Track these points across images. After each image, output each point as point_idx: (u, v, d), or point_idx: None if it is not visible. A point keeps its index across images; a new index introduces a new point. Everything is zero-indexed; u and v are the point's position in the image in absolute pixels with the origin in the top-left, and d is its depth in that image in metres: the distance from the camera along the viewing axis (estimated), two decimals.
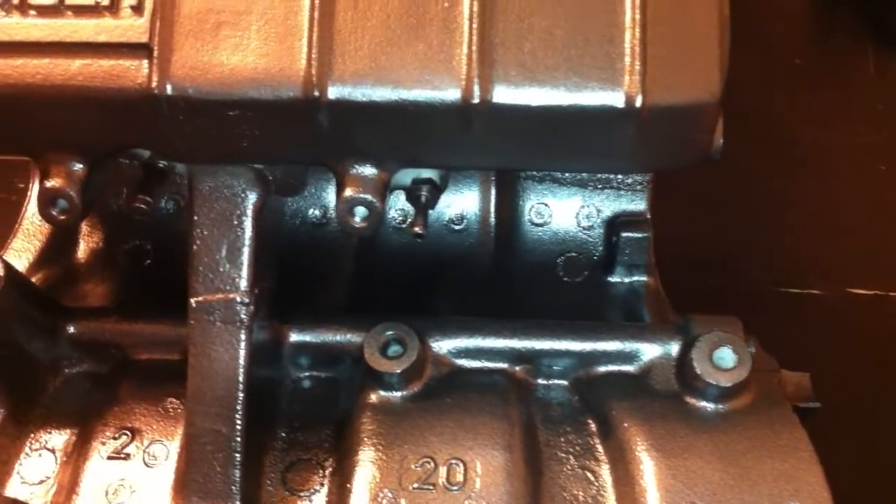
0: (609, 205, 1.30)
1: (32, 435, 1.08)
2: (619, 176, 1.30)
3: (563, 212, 1.31)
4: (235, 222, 0.99)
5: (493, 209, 1.32)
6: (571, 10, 0.88)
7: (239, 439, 0.99)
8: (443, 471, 1.00)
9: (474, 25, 0.88)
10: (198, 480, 0.99)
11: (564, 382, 1.10)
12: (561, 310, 1.26)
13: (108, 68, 0.89)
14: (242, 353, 0.99)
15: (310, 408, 1.09)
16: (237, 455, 0.99)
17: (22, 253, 1.30)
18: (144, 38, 0.89)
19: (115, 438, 1.04)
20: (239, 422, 0.99)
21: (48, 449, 1.07)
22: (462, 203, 1.31)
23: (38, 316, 1.07)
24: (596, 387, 1.09)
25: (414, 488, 0.99)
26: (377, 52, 0.88)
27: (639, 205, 1.30)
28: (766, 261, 1.54)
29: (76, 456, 1.04)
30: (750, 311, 1.14)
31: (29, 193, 1.37)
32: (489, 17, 0.88)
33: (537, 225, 1.31)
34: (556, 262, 1.30)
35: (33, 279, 1.29)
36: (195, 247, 1.00)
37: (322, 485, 1.03)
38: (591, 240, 1.31)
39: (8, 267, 1.02)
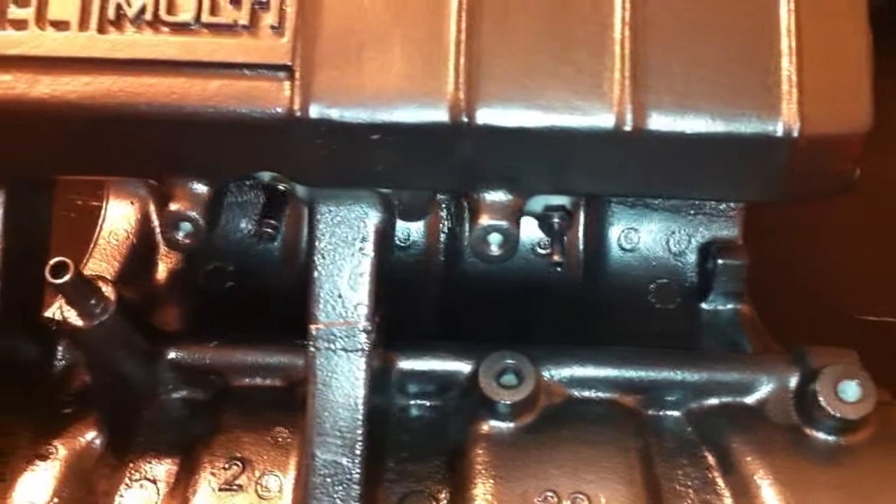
0: (702, 231, 1.28)
1: (132, 465, 1.05)
2: (712, 202, 1.29)
3: (652, 237, 1.30)
4: (359, 248, 0.97)
5: (581, 234, 1.30)
6: (723, 37, 0.86)
7: (359, 472, 0.96)
8: None
9: (626, 50, 0.86)
10: None
11: (677, 413, 1.08)
12: (654, 337, 1.25)
13: (246, 89, 0.87)
14: (364, 381, 0.97)
15: (418, 438, 1.06)
16: (357, 488, 0.96)
17: (102, 273, 1.26)
18: (286, 59, 0.86)
19: (225, 469, 1.00)
20: (359, 453, 0.96)
21: (149, 479, 1.03)
22: None
23: (142, 342, 1.04)
24: (711, 418, 1.07)
25: None
26: (524, 75, 0.86)
27: (732, 231, 1.28)
28: (845, 287, 1.53)
29: (183, 487, 1.01)
30: (829, 338, 1.13)
31: (103, 213, 1.34)
32: (640, 42, 0.86)
33: (626, 250, 1.29)
34: (649, 288, 1.28)
35: None
36: (316, 272, 0.97)
37: None
38: (682, 266, 1.29)
39: (118, 290, 0.98)
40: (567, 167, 0.89)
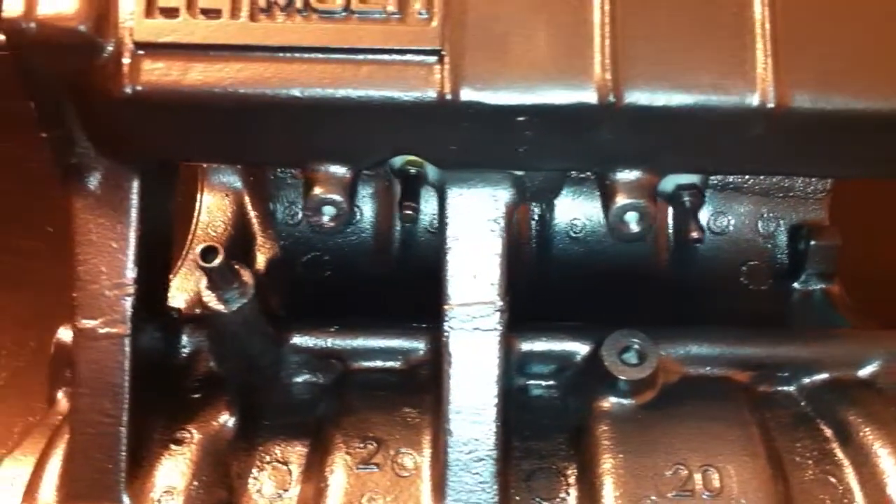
0: (791, 213, 1.31)
1: (261, 447, 1.06)
2: (801, 185, 1.32)
3: (742, 220, 1.32)
4: (492, 229, 0.99)
5: (670, 217, 1.32)
6: (862, 15, 0.88)
7: (497, 448, 0.98)
8: (698, 478, 1.00)
9: (766, 29, 0.88)
10: (459, 490, 0.97)
11: (789, 388, 1.10)
12: (747, 317, 1.27)
13: (397, 74, 0.89)
14: (498, 360, 0.99)
15: (539, 416, 1.08)
16: (496, 464, 0.98)
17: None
18: (437, 44, 0.88)
19: (360, 448, 1.02)
20: (496, 430, 0.98)
21: (280, 461, 1.05)
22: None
23: (270, 327, 1.06)
24: (824, 392, 1.09)
25: (672, 496, 0.99)
26: (667, 56, 0.88)
27: (819, 213, 1.31)
28: None
29: (318, 467, 1.03)
30: None
31: (198, 205, 1.35)
32: (780, 20, 0.88)
33: (716, 233, 1.32)
34: (741, 269, 1.30)
35: None
36: (449, 253, 0.99)
37: (567, 493, 1.03)
38: (772, 248, 1.32)
39: (255, 276, 1.00)
40: (707, 146, 0.92)
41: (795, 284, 1.29)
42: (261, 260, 1.32)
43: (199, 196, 1.36)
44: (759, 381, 1.11)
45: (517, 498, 1.02)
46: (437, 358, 1.04)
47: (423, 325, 1.12)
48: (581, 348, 1.09)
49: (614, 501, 0.99)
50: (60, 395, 1.16)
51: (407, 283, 1.30)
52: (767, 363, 1.10)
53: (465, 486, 0.98)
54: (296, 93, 0.89)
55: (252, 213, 1.33)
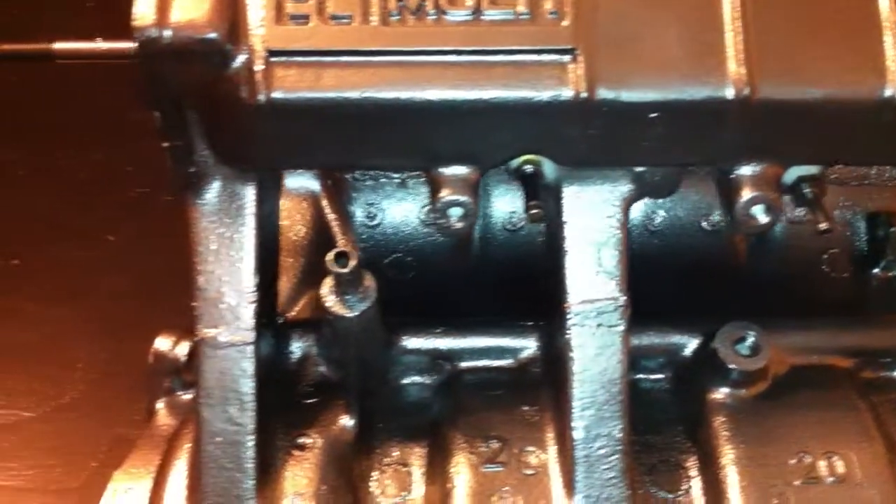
0: (868, 201, 1.32)
1: (378, 450, 1.07)
2: (875, 173, 1.33)
3: None
4: (611, 225, 0.99)
5: None
6: None
7: (626, 443, 0.99)
8: (822, 465, 1.01)
9: (892, 22, 0.89)
10: (590, 486, 0.98)
11: (892, 374, 1.12)
12: (829, 305, 1.29)
13: (530, 74, 0.89)
14: (622, 356, 0.99)
15: (652, 410, 1.09)
16: (626, 458, 0.99)
17: (287, 270, 1.28)
18: (570, 43, 0.89)
19: (484, 448, 1.02)
20: (624, 426, 0.99)
21: (400, 463, 1.05)
22: (716, 204, 1.31)
23: (383, 329, 1.06)
24: None
25: (799, 483, 1.00)
26: (800, 49, 0.90)
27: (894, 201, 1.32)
28: None
29: (441, 467, 1.03)
30: None
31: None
32: None
33: (794, 223, 1.33)
34: (822, 258, 1.31)
35: (303, 295, 1.27)
36: (566, 251, 0.99)
37: (690, 485, 1.04)
38: (851, 236, 1.33)
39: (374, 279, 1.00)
40: (836, 138, 0.92)
41: (876, 271, 1.30)
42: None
43: None
44: (863, 368, 1.12)
45: (640, 492, 1.03)
46: (555, 355, 1.04)
47: (531, 324, 1.12)
48: (689, 341, 1.10)
49: (741, 492, 1.00)
50: (160, 405, 1.15)
51: (489, 282, 1.30)
52: (871, 350, 1.11)
53: (596, 481, 0.98)
54: (429, 96, 0.90)
55: (331, 217, 1.33)
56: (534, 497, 1.00)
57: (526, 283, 1.27)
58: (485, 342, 1.11)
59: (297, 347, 1.10)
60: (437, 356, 1.11)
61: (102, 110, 1.72)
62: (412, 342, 1.11)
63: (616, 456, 0.98)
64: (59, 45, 1.07)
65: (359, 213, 1.30)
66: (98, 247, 1.51)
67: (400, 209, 1.28)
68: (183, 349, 1.14)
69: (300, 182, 1.32)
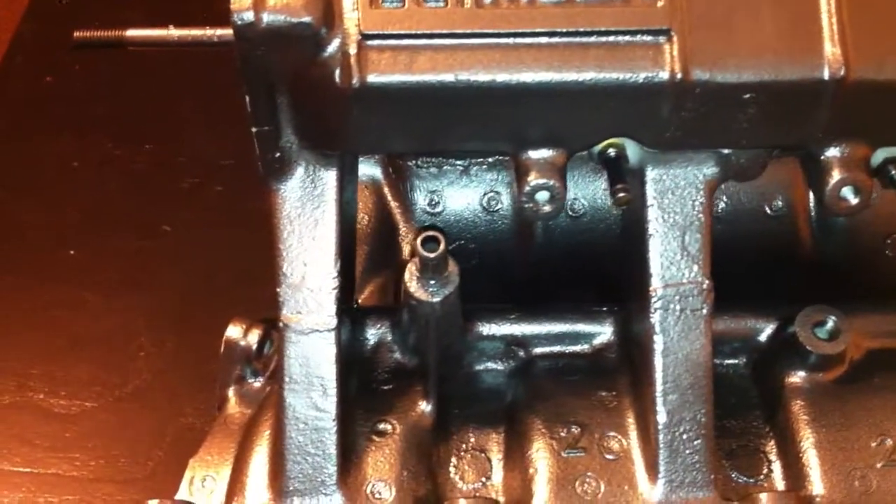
0: None
1: (455, 436, 1.06)
2: None
3: (884, 193, 1.32)
4: (695, 209, 0.99)
5: (811, 194, 1.33)
6: None
7: (711, 427, 0.98)
8: None
9: None
10: (674, 471, 0.98)
11: None
12: (893, 289, 1.28)
13: (625, 55, 0.89)
14: (707, 339, 0.99)
15: (726, 395, 1.09)
16: (710, 442, 0.98)
17: None
18: (665, 23, 0.88)
19: (564, 434, 1.02)
20: (709, 409, 0.99)
21: (477, 449, 1.05)
22: (778, 189, 1.31)
23: (461, 315, 1.06)
24: None
25: (881, 466, 1.00)
26: (892, 30, 0.89)
27: None
28: None
29: (520, 453, 1.03)
30: None
31: None
32: None
33: None
34: (885, 242, 1.31)
35: (370, 282, 1.27)
36: (654, 234, 0.99)
37: (770, 469, 1.03)
38: None
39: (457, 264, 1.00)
40: None
41: None
42: (406, 250, 1.31)
43: None
44: None
45: (720, 476, 1.02)
46: (634, 340, 1.04)
47: (605, 309, 1.12)
48: (765, 326, 1.10)
49: (823, 475, 1.00)
50: (231, 393, 1.15)
51: (552, 268, 1.30)
52: None
53: (680, 466, 0.98)
54: (524, 78, 0.89)
55: (393, 204, 1.32)
56: (617, 481, 1.00)
57: (588, 269, 1.27)
58: (560, 328, 1.11)
59: (371, 334, 1.10)
60: (511, 342, 1.11)
61: (151, 101, 1.72)
62: (487, 328, 1.10)
63: (700, 440, 0.98)
64: (131, 33, 1.07)
65: (421, 200, 1.29)
66: (155, 237, 1.51)
67: (462, 196, 1.28)
68: (254, 337, 1.13)
69: (363, 169, 1.32)
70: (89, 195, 1.58)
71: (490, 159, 1.27)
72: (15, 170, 1.61)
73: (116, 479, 1.25)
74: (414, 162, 1.32)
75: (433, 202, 1.32)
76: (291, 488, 0.98)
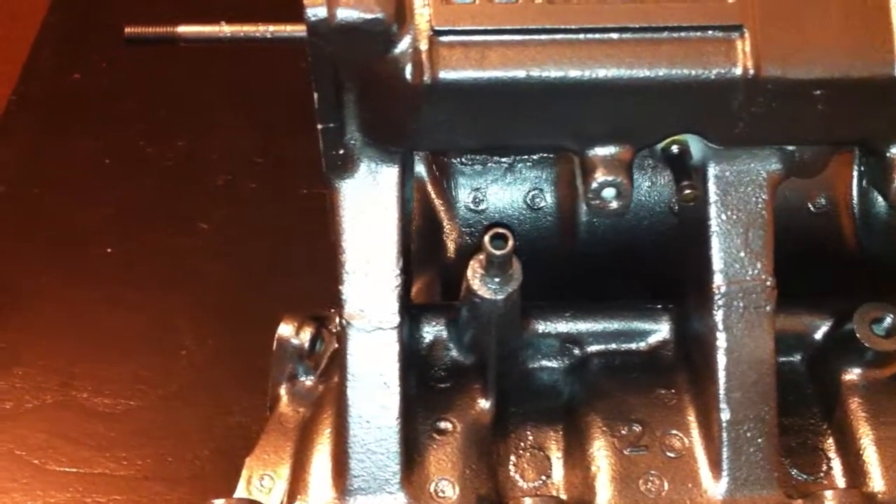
0: None
1: (514, 434, 1.06)
2: None
3: None
4: (759, 206, 0.99)
5: (854, 191, 1.33)
6: None
7: (776, 424, 0.98)
8: None
9: None
10: (739, 468, 0.98)
11: None
12: None
13: (697, 51, 0.89)
14: (771, 336, 0.99)
15: (783, 392, 1.08)
16: (775, 440, 0.98)
17: None
18: (738, 20, 0.88)
19: (625, 432, 1.02)
20: (774, 406, 0.99)
21: (536, 447, 1.05)
22: (821, 186, 1.31)
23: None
24: None
25: None
26: None
27: None
28: None
29: (580, 451, 1.03)
30: None
31: None
32: None
33: None
34: None
35: (416, 280, 1.26)
36: (714, 232, 0.99)
37: (829, 466, 1.03)
38: None
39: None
40: None
41: None
42: (450, 248, 1.31)
43: None
44: None
45: (782, 474, 1.02)
46: (694, 337, 1.04)
47: (660, 306, 1.11)
48: (820, 323, 1.10)
49: (884, 472, 1.00)
50: (283, 391, 1.14)
51: (596, 265, 1.29)
52: None
53: (745, 464, 0.98)
54: (595, 74, 0.89)
55: (437, 202, 1.32)
56: (680, 479, 1.00)
57: (632, 265, 1.27)
58: (615, 325, 1.11)
59: (426, 332, 1.09)
60: (566, 339, 1.11)
61: (178, 98, 1.71)
62: (543, 325, 1.10)
63: (764, 438, 0.98)
64: (183, 29, 1.06)
65: (465, 197, 1.29)
66: (192, 234, 1.50)
67: (506, 193, 1.27)
68: (305, 335, 1.12)
69: None
70: (123, 193, 1.57)
71: (534, 157, 1.27)
72: (48, 167, 1.60)
73: (165, 478, 1.25)
74: (458, 160, 1.31)
75: (477, 200, 1.32)
76: (355, 486, 0.97)
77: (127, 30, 1.04)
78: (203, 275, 1.47)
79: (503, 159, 1.27)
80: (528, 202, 1.28)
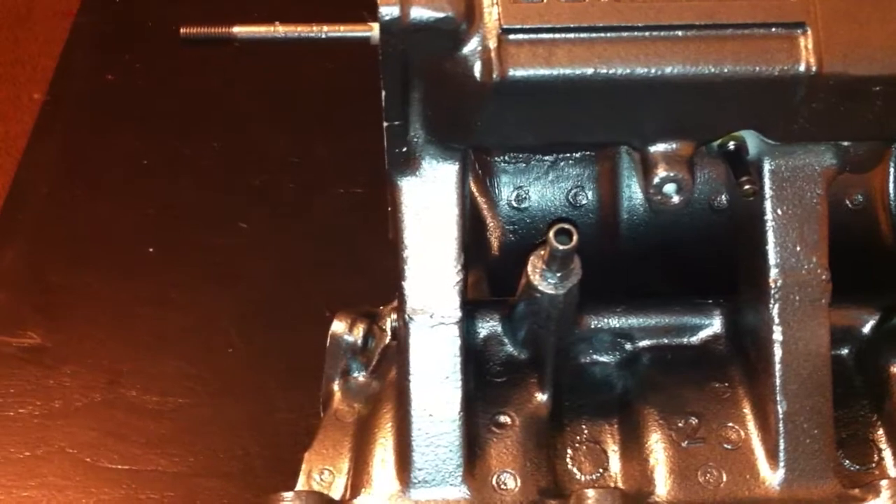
0: None
1: (569, 428, 1.07)
2: None
3: None
4: (814, 200, 1.00)
5: (891, 187, 1.35)
6: None
7: (831, 416, 1.00)
8: None
9: None
10: (796, 459, 0.99)
11: None
12: None
13: (761, 48, 0.90)
14: (826, 330, 1.00)
15: (833, 383, 1.10)
16: (832, 431, 1.00)
17: None
18: (801, 17, 0.89)
19: (681, 424, 1.03)
20: (829, 398, 1.00)
21: (591, 440, 1.06)
22: (858, 183, 1.33)
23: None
24: None
25: None
26: None
27: None
28: None
29: (637, 445, 1.04)
30: None
31: None
32: None
33: None
34: None
35: None
36: (770, 226, 1.00)
37: (881, 457, 1.05)
38: None
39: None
40: None
41: None
42: (494, 245, 1.32)
43: None
44: None
45: (836, 464, 1.04)
46: (747, 331, 1.05)
47: (711, 301, 1.13)
48: (869, 316, 1.11)
49: None
50: (336, 387, 1.15)
51: (637, 261, 1.31)
52: None
53: (802, 455, 1.00)
54: (662, 71, 0.90)
55: (480, 200, 1.33)
56: (738, 470, 1.01)
57: (674, 261, 1.28)
58: (667, 320, 1.12)
59: (481, 327, 1.11)
60: (618, 334, 1.12)
61: (212, 99, 1.72)
62: (595, 320, 1.11)
63: (820, 429, 1.00)
64: (238, 29, 1.07)
65: (507, 195, 1.30)
66: (233, 234, 1.51)
67: (548, 191, 1.29)
68: (359, 332, 1.14)
69: None
70: (162, 193, 1.58)
71: (577, 154, 1.28)
72: (88, 167, 1.61)
73: (217, 473, 1.26)
74: (501, 157, 1.32)
75: (519, 197, 1.33)
76: (419, 479, 0.99)
77: (182, 30, 1.05)
78: (246, 274, 1.48)
79: (546, 157, 1.28)
80: (570, 200, 1.29)
